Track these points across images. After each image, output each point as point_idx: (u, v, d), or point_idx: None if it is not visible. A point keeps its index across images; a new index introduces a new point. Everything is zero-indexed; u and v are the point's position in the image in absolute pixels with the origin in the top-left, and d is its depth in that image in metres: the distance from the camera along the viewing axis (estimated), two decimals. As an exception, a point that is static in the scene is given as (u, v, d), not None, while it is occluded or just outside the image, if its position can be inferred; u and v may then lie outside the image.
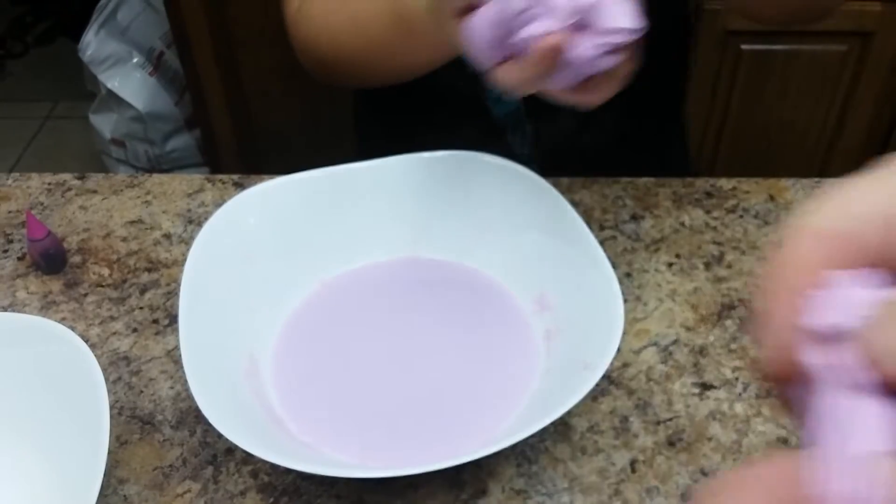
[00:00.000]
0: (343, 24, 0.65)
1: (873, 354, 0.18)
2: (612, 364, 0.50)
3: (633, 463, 0.50)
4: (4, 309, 0.61)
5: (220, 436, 0.45)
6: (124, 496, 0.50)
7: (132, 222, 0.68)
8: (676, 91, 0.83)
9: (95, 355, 0.48)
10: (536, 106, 0.67)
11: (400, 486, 0.50)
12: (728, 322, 0.58)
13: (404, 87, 0.68)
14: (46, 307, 0.61)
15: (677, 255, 0.63)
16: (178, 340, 0.49)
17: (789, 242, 0.21)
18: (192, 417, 0.54)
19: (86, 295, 0.62)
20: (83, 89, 1.80)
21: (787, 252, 0.21)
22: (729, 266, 0.62)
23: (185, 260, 0.53)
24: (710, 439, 0.52)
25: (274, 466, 0.51)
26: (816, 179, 0.70)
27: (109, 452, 0.46)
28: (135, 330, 0.60)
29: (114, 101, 1.64)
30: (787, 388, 0.20)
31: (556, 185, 0.56)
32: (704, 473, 0.50)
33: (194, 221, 0.68)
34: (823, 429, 0.19)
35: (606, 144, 0.78)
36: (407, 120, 0.79)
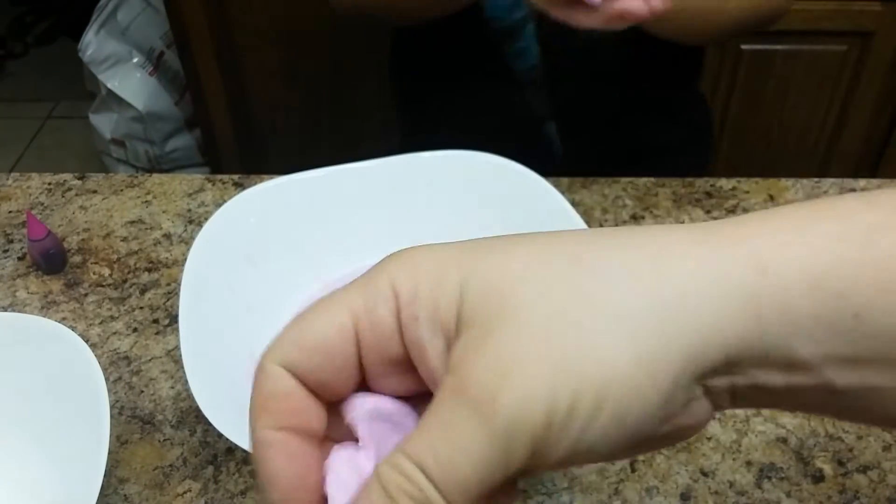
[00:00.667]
0: None
1: None
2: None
3: (632, 462, 0.50)
4: (5, 309, 0.61)
5: (220, 435, 0.45)
6: (125, 496, 0.50)
7: (132, 222, 0.68)
8: (693, 61, 0.83)
9: (96, 355, 0.48)
10: (555, 64, 0.68)
11: (400, 486, 0.50)
12: (728, 322, 0.58)
13: (432, 47, 0.70)
14: (47, 307, 0.62)
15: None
16: (178, 340, 0.49)
17: (259, 377, 0.24)
18: (192, 417, 0.54)
19: (86, 295, 0.62)
20: (83, 89, 1.80)
21: (259, 387, 0.24)
22: (729, 266, 0.62)
23: (185, 260, 0.53)
24: (709, 439, 0.52)
25: (274, 466, 0.51)
26: (816, 179, 0.70)
27: (110, 452, 0.46)
28: (135, 330, 0.60)
29: (114, 100, 1.64)
30: None
31: (556, 186, 0.56)
32: (704, 473, 0.50)
33: (194, 221, 0.68)
34: None
35: (622, 105, 0.78)
36: (435, 76, 0.81)
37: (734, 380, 0.22)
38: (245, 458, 0.51)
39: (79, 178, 0.73)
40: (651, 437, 0.22)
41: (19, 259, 0.66)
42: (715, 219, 0.66)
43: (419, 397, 0.25)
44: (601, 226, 0.65)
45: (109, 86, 1.62)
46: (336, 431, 0.25)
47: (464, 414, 0.21)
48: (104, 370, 0.48)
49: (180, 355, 0.48)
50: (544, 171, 0.57)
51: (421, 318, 0.23)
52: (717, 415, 0.53)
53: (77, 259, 0.65)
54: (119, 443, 0.53)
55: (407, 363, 0.24)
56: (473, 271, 0.23)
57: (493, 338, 0.21)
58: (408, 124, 0.89)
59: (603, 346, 0.21)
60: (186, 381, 0.46)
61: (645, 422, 0.22)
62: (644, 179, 0.70)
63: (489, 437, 0.21)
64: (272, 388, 0.24)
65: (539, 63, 0.73)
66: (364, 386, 0.25)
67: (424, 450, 0.21)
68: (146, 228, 0.68)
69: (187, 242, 0.66)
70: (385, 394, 0.24)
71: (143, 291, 0.62)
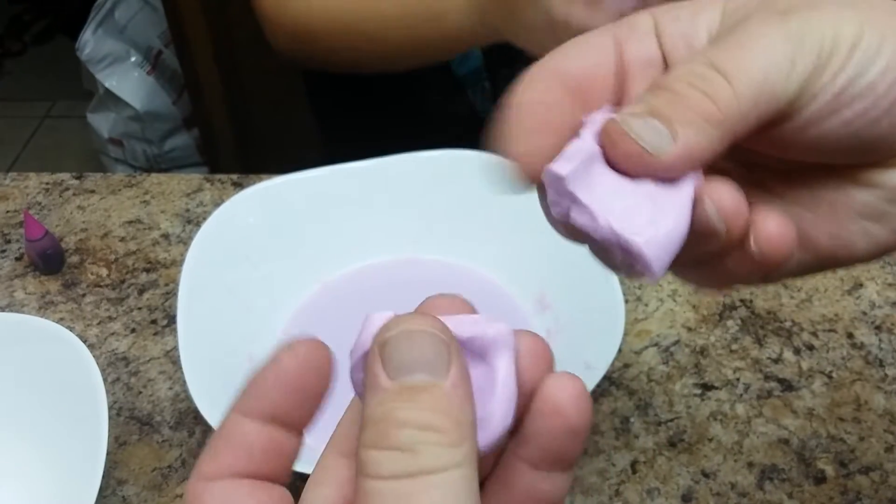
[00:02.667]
0: (335, 10, 0.64)
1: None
2: (612, 364, 0.50)
3: (633, 464, 0.50)
4: (2, 309, 0.61)
5: (219, 437, 0.45)
6: (123, 497, 0.50)
7: (130, 222, 0.68)
8: None
9: (94, 356, 0.48)
10: (496, 63, 0.67)
11: (400, 488, 0.49)
12: (729, 322, 0.58)
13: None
14: (44, 307, 0.61)
15: (678, 255, 0.63)
16: (176, 341, 0.49)
17: (528, 82, 0.24)
18: (190, 418, 0.53)
19: (84, 295, 0.62)
20: (81, 88, 1.79)
21: (526, 90, 0.24)
22: (729, 266, 0.62)
23: (183, 260, 0.52)
24: (710, 440, 0.51)
25: (273, 467, 0.50)
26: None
27: (108, 453, 0.46)
28: (133, 330, 0.59)
29: (112, 100, 1.64)
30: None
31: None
32: (705, 474, 0.50)
33: (193, 221, 0.68)
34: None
35: None
36: (365, 82, 0.77)
37: None
38: (244, 460, 0.51)
39: (76, 178, 0.72)
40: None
41: (17, 259, 0.65)
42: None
43: None
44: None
45: (107, 85, 1.61)
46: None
47: (757, 23, 0.22)
48: (102, 371, 0.48)
49: (179, 356, 0.48)
50: None
51: (682, 18, 0.24)
52: (718, 416, 0.52)
53: (75, 259, 0.65)
54: (117, 444, 0.52)
55: (663, 68, 0.24)
56: None
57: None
58: (335, 137, 0.87)
59: (886, 7, 0.23)
60: (185, 382, 0.46)
61: None
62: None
63: (783, 35, 0.22)
64: (535, 88, 0.24)
65: (481, 63, 0.71)
66: None
67: (713, 52, 0.22)
68: (144, 228, 0.67)
69: (186, 242, 0.66)
70: None
71: (141, 292, 0.62)
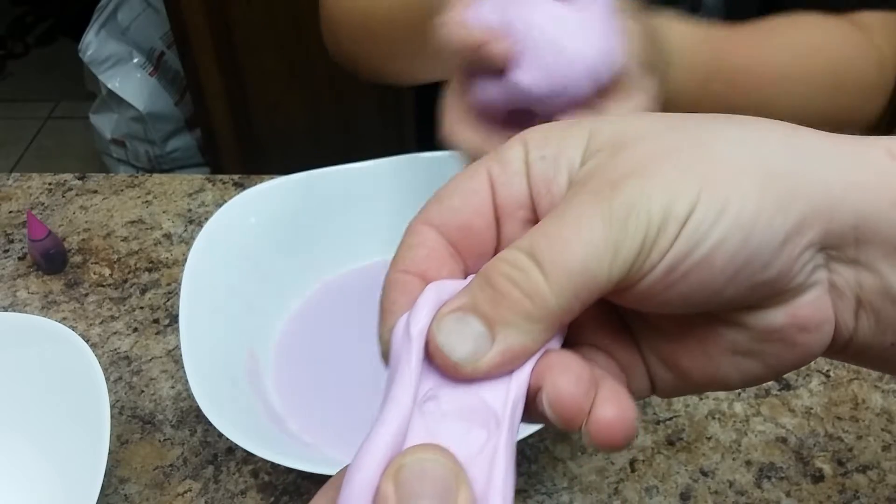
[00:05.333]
0: (378, 10, 0.61)
1: None
2: (611, 364, 0.50)
3: (632, 462, 0.50)
4: (5, 309, 0.61)
5: (220, 435, 0.45)
6: (125, 495, 0.50)
7: (133, 222, 0.68)
8: None
9: (96, 355, 0.48)
10: None
11: (400, 486, 0.50)
12: (727, 322, 0.58)
13: None
14: (47, 307, 0.62)
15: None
16: (178, 340, 0.50)
17: (404, 236, 0.24)
18: (192, 417, 0.54)
19: (86, 295, 0.62)
20: (84, 89, 1.80)
21: (401, 242, 0.24)
22: (728, 266, 0.62)
23: (185, 260, 0.53)
24: (709, 439, 0.52)
25: (274, 466, 0.51)
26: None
27: (110, 452, 0.47)
28: (135, 330, 0.60)
29: (114, 101, 1.64)
30: None
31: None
32: (704, 473, 0.50)
33: (195, 221, 0.68)
34: None
35: None
36: None
37: (860, 277, 0.22)
38: (245, 458, 0.52)
39: (79, 178, 0.73)
40: (762, 286, 0.22)
41: (20, 259, 0.66)
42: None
43: None
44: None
45: (110, 86, 1.62)
46: None
47: (582, 200, 0.21)
48: (104, 370, 0.48)
49: (180, 355, 0.48)
50: None
51: (548, 157, 0.23)
52: (717, 415, 0.53)
53: (77, 259, 0.65)
54: (119, 442, 0.53)
55: (532, 209, 0.24)
56: (602, 123, 0.24)
57: (618, 154, 0.22)
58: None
59: (734, 165, 0.21)
60: (187, 381, 0.46)
61: (763, 253, 0.21)
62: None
63: (604, 218, 0.21)
64: (413, 241, 0.24)
65: None
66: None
67: (535, 236, 0.21)
68: (146, 228, 0.68)
69: (188, 242, 0.66)
70: None
71: (143, 291, 0.63)
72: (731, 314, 0.23)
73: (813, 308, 0.23)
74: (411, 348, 0.21)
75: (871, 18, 0.58)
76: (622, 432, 0.21)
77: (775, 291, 0.22)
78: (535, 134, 0.24)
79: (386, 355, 0.23)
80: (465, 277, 0.24)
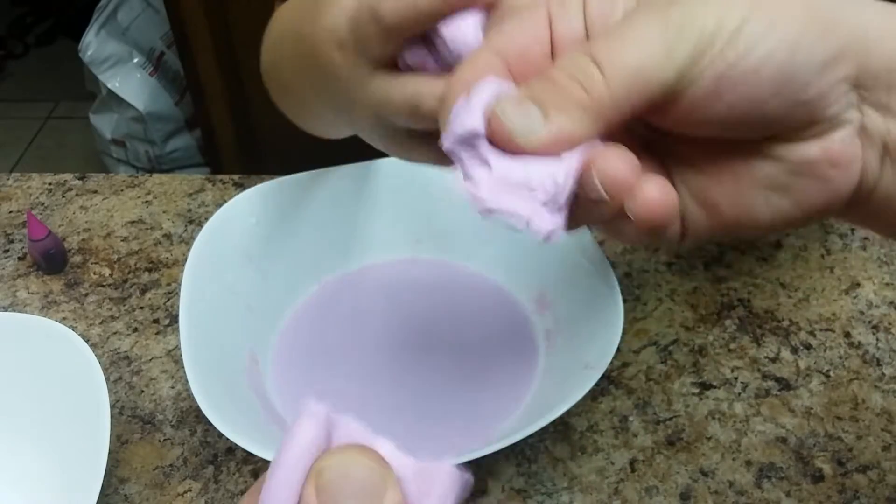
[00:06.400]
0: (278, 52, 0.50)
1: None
2: (611, 364, 0.50)
3: (632, 462, 0.50)
4: (5, 309, 0.61)
5: (220, 435, 0.45)
6: (125, 495, 0.50)
7: (133, 222, 0.68)
8: None
9: (96, 355, 0.48)
10: None
11: (400, 486, 0.50)
12: (727, 322, 0.58)
13: None
14: (47, 307, 0.62)
15: (677, 255, 0.63)
16: (178, 340, 0.50)
17: (472, 61, 0.25)
18: (192, 417, 0.54)
19: (86, 295, 0.63)
20: (83, 90, 1.80)
21: (468, 69, 0.25)
22: (728, 266, 0.62)
23: (185, 260, 0.53)
24: (709, 439, 0.52)
25: (274, 466, 0.51)
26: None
27: (110, 452, 0.47)
28: (135, 330, 0.60)
29: (114, 101, 1.65)
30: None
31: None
32: (704, 473, 0.50)
33: (195, 221, 0.68)
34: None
35: None
36: None
37: (889, 124, 0.24)
38: (245, 458, 0.52)
39: (79, 179, 0.73)
40: (802, 106, 0.24)
41: (20, 259, 0.66)
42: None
43: None
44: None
45: (110, 86, 1.62)
46: None
47: (640, 13, 0.23)
48: (104, 370, 0.48)
49: (180, 355, 0.48)
50: None
51: None
52: (717, 415, 0.53)
53: (77, 259, 0.65)
54: (119, 442, 0.53)
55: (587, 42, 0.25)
56: None
57: None
58: None
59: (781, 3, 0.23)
60: (187, 381, 0.46)
61: (804, 73, 0.23)
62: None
63: (661, 24, 0.23)
64: (473, 60, 0.25)
65: None
66: None
67: (595, 42, 0.23)
68: (146, 228, 0.68)
69: (188, 242, 0.66)
70: None
71: (143, 291, 0.63)
72: (768, 146, 0.25)
73: (844, 145, 0.24)
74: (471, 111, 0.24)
75: None
76: (665, 210, 0.24)
77: (812, 118, 0.24)
78: None
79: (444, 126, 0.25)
80: None
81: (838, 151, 0.24)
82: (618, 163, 0.23)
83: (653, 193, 0.23)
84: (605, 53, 0.23)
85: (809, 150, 0.24)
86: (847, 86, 0.24)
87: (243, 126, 1.49)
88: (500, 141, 0.24)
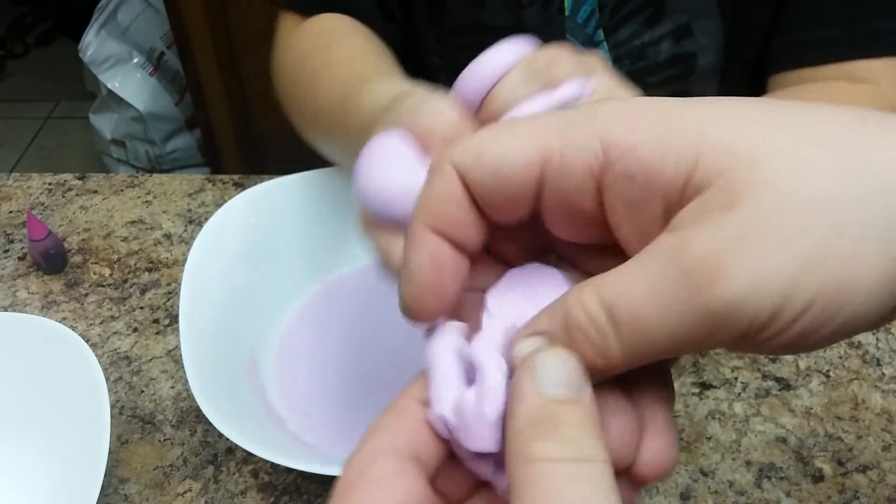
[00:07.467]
0: (303, 76, 0.56)
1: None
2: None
3: (632, 462, 0.50)
4: (5, 309, 0.61)
5: (220, 435, 0.45)
6: (125, 495, 0.50)
7: (133, 222, 0.68)
8: None
9: (96, 355, 0.48)
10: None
11: (400, 486, 0.50)
12: (727, 322, 0.58)
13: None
14: (47, 307, 0.62)
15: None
16: (178, 340, 0.50)
17: (432, 173, 0.23)
18: (192, 417, 0.54)
19: (86, 295, 0.62)
20: (84, 90, 1.80)
21: (429, 182, 0.23)
22: (728, 266, 0.62)
23: (185, 260, 0.53)
24: (709, 438, 0.52)
25: (274, 466, 0.51)
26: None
27: (110, 452, 0.47)
28: (135, 330, 0.60)
29: (114, 101, 1.65)
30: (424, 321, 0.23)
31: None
32: (704, 473, 0.50)
33: (195, 221, 0.68)
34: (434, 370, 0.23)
35: None
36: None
37: None
38: (245, 458, 0.52)
39: (79, 179, 0.73)
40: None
41: (20, 259, 0.66)
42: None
43: (579, 249, 0.24)
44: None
45: (110, 86, 1.62)
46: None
47: (677, 279, 0.19)
48: (104, 370, 0.48)
49: (180, 355, 0.48)
50: None
51: (639, 178, 0.20)
52: (717, 415, 0.53)
53: (77, 259, 0.65)
54: (119, 442, 0.53)
55: (589, 218, 0.22)
56: (712, 127, 0.20)
57: (734, 210, 0.19)
58: None
59: (857, 252, 0.18)
60: (187, 381, 0.46)
61: (867, 328, 0.20)
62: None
63: (698, 316, 0.19)
64: (440, 188, 0.22)
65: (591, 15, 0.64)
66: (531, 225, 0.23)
67: (621, 296, 0.20)
68: (146, 228, 0.68)
69: (188, 242, 0.66)
70: (551, 233, 0.23)
71: (143, 291, 0.63)
72: None
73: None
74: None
75: (873, 67, 0.55)
76: (667, 471, 0.22)
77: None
78: (617, 138, 0.20)
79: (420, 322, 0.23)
80: (481, 234, 0.23)
81: None
82: (621, 431, 0.22)
83: (653, 457, 0.22)
84: (625, 325, 0.20)
85: None
86: None
87: (243, 126, 1.49)
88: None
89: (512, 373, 0.21)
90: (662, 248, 0.19)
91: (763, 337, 0.19)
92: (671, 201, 0.20)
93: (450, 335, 0.23)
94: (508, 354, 0.22)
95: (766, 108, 0.20)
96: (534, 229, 0.23)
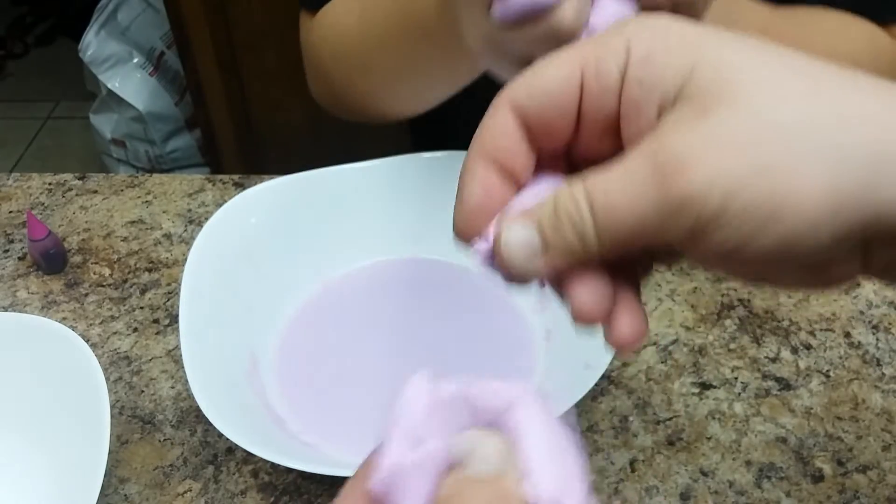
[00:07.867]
0: (350, 27, 0.57)
1: None
2: (611, 364, 0.50)
3: (632, 462, 0.50)
4: (5, 309, 0.61)
5: (220, 435, 0.45)
6: (125, 495, 0.50)
7: (133, 222, 0.68)
8: None
9: (96, 355, 0.48)
10: None
11: (400, 486, 0.50)
12: (727, 322, 0.58)
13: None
14: (47, 307, 0.62)
15: (677, 255, 0.63)
16: (178, 340, 0.50)
17: (488, 112, 0.26)
18: (192, 417, 0.54)
19: (86, 295, 0.62)
20: (84, 90, 1.80)
21: (485, 120, 0.26)
22: (728, 266, 0.62)
23: (185, 260, 0.53)
24: (709, 439, 0.52)
25: (274, 466, 0.51)
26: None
27: (110, 452, 0.47)
28: (135, 330, 0.60)
29: (114, 101, 1.65)
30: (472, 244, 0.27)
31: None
32: (704, 473, 0.50)
33: (195, 221, 0.68)
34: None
35: None
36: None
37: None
38: (245, 458, 0.52)
39: (79, 179, 0.73)
40: (797, 266, 0.24)
41: (20, 259, 0.66)
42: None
43: None
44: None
45: (110, 86, 1.62)
46: None
47: (647, 172, 0.22)
48: (104, 370, 0.48)
49: (181, 355, 0.48)
50: None
51: (644, 82, 0.24)
52: (717, 415, 0.53)
53: (77, 259, 0.65)
54: (119, 442, 0.53)
55: (616, 125, 0.25)
56: (713, 50, 0.23)
57: (705, 117, 0.22)
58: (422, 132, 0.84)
59: (804, 172, 0.21)
60: (187, 381, 0.46)
61: (805, 254, 0.22)
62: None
63: (659, 202, 0.22)
64: (493, 123, 0.26)
65: None
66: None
67: (600, 186, 0.23)
68: (146, 228, 0.68)
69: (188, 242, 0.66)
70: (588, 155, 0.27)
71: (143, 291, 0.63)
72: None
73: (840, 274, 0.25)
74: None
75: None
76: (634, 343, 0.25)
77: (812, 273, 0.24)
78: (638, 44, 0.24)
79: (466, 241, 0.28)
80: (534, 166, 0.26)
81: (830, 280, 0.25)
82: (588, 300, 0.25)
83: (623, 331, 0.25)
84: (601, 210, 0.23)
85: None
86: (858, 250, 0.24)
87: (243, 126, 1.49)
88: (502, 270, 0.26)
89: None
90: (643, 148, 0.23)
91: (709, 234, 0.22)
92: (664, 108, 0.23)
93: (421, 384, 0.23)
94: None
95: (768, 49, 0.23)
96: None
